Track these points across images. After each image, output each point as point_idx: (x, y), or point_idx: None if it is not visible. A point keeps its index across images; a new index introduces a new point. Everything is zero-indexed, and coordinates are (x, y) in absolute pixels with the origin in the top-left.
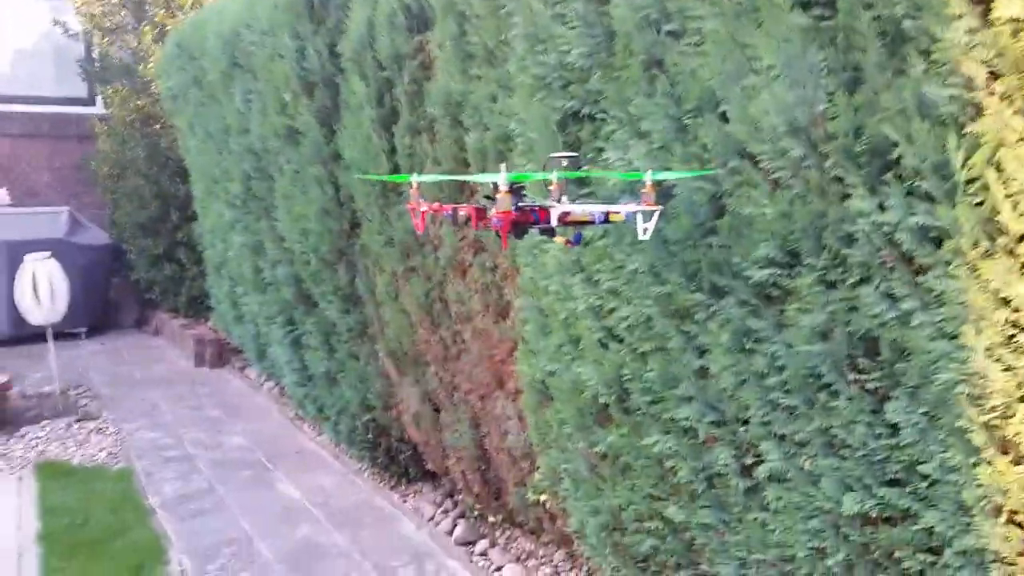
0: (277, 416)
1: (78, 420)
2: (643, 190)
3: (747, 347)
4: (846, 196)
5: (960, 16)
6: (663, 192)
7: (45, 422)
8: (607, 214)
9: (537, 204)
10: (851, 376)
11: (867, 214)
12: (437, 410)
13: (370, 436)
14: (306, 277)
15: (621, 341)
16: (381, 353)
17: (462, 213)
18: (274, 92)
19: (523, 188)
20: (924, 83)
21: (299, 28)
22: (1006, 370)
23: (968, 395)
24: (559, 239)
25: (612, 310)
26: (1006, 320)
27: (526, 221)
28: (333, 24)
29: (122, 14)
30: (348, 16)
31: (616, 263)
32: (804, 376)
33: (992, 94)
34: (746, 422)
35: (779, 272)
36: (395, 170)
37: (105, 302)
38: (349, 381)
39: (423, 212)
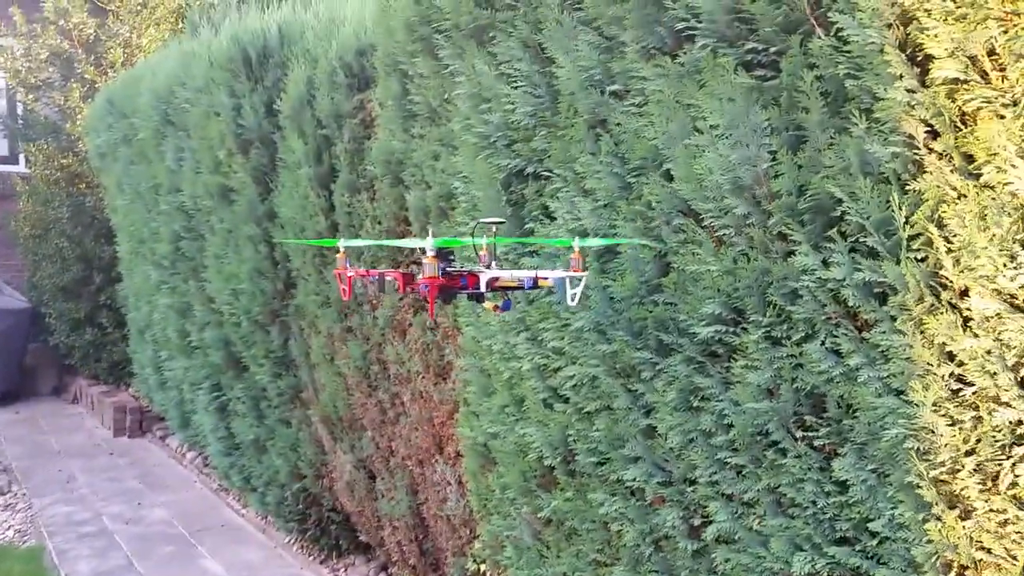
0: (200, 487)
1: None
2: (571, 256)
3: (694, 405)
4: (790, 253)
5: (900, 76)
6: (607, 250)
7: None
8: (535, 279)
9: (466, 270)
10: (798, 433)
11: (812, 271)
12: (372, 477)
13: (300, 507)
14: (236, 340)
15: (567, 401)
16: (314, 419)
17: (388, 279)
18: (208, 150)
19: (451, 253)
20: (866, 142)
21: (236, 86)
22: (952, 424)
23: (916, 450)
24: (488, 304)
25: (557, 369)
26: (951, 374)
27: (454, 286)
28: (271, 82)
29: (49, 71)
30: (287, 75)
31: (561, 321)
32: (751, 434)
33: (932, 152)
34: (694, 482)
35: (725, 329)
36: (333, 229)
37: (21, 368)
38: (279, 449)
39: (349, 277)
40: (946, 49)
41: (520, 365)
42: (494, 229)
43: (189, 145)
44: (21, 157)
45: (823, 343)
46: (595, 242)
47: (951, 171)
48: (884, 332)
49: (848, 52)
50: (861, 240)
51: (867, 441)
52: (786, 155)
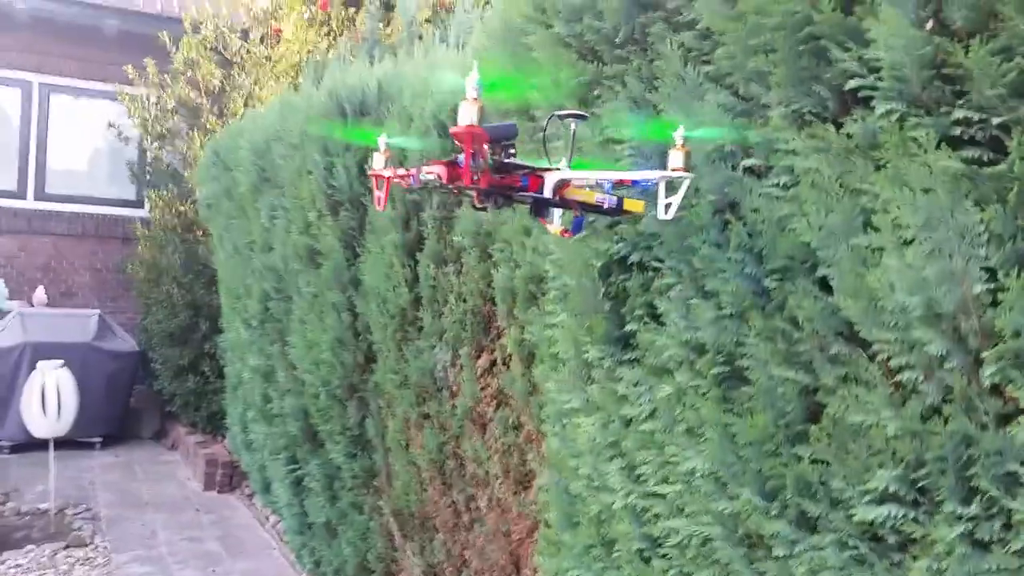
0: (279, 557)
1: (66, 546)
2: (673, 150)
3: None
4: (1009, 419)
5: None
6: (732, 373)
7: (31, 546)
8: (620, 182)
9: (527, 165)
10: None
11: None
12: None
13: None
14: (314, 412)
15: (669, 559)
16: (386, 509)
17: (431, 175)
18: (299, 209)
19: (512, 146)
20: None
21: (329, 144)
22: None
23: None
24: (554, 228)
25: (658, 516)
26: None
27: (511, 186)
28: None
29: (175, 119)
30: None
31: (666, 456)
32: None
33: None
34: None
35: (901, 513)
36: (416, 302)
37: (126, 411)
38: (349, 537)
39: (388, 179)
40: None
41: (612, 500)
42: (573, 126)
43: (282, 203)
44: (146, 202)
45: None
46: (708, 133)
47: None
48: None
49: None
50: None
51: None
52: (1014, 277)
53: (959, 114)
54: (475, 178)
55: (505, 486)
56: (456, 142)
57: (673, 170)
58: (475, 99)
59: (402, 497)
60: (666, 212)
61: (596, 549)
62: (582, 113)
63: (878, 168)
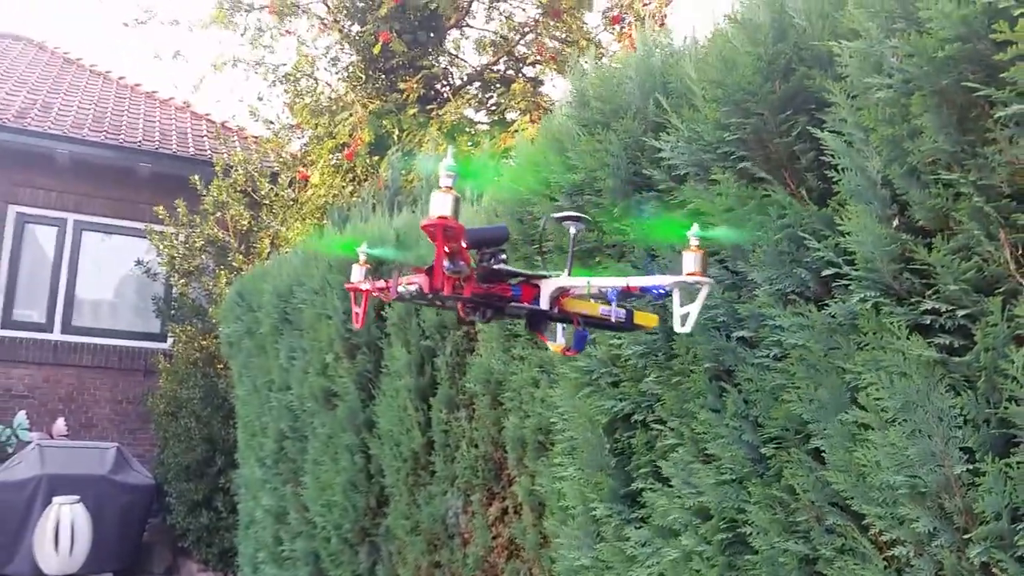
0: None
1: None
2: (687, 252)
3: None
4: None
5: None
6: (734, 538)
7: None
8: (626, 289)
9: (523, 273)
10: None
11: None
12: None
13: None
14: (325, 556)
15: None
16: None
17: (411, 287)
18: (318, 352)
19: (502, 251)
20: None
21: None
22: None
23: None
24: (554, 345)
25: None
26: None
27: (500, 296)
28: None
29: (202, 258)
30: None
31: None
32: None
33: None
34: None
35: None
36: (429, 446)
37: (139, 546)
38: None
39: (366, 292)
40: None
41: None
42: (572, 230)
43: (301, 345)
44: (169, 337)
45: None
46: (724, 234)
47: None
48: None
49: None
50: None
51: None
52: (990, 460)
53: (928, 304)
54: (457, 285)
55: None
56: (427, 233)
57: (688, 275)
58: (449, 187)
59: None
60: (683, 324)
61: None
62: (582, 216)
63: (859, 349)
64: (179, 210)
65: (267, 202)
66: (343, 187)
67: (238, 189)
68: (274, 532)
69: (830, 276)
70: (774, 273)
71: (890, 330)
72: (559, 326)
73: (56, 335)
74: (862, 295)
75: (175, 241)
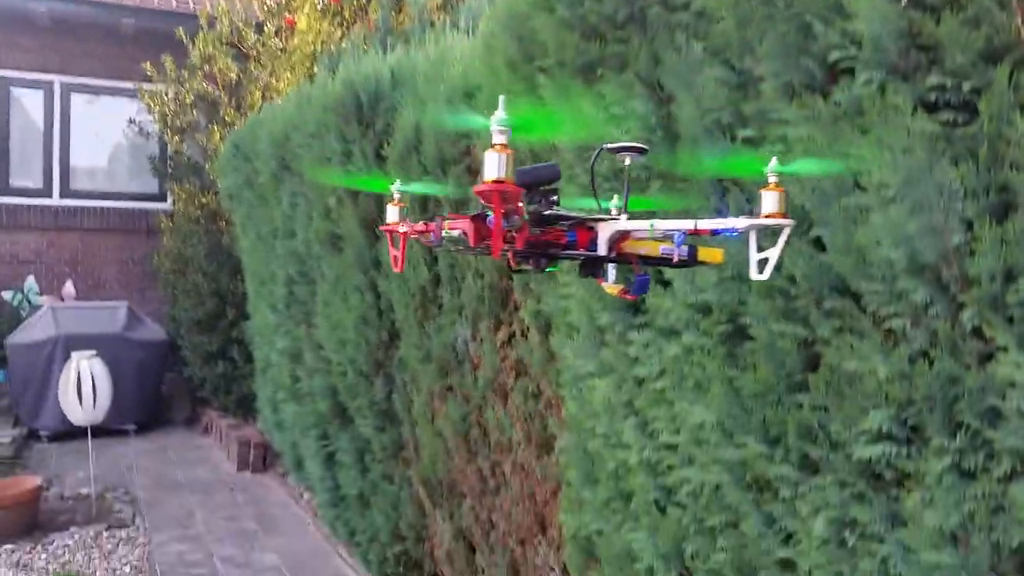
0: (314, 532)
1: (108, 528)
2: (765, 190)
3: (848, 543)
4: (989, 357)
5: None
6: (736, 330)
7: (75, 528)
8: (694, 231)
9: (575, 216)
10: None
11: (1022, 386)
12: (472, 549)
13: (401, 570)
14: (342, 389)
15: (683, 508)
16: (415, 479)
17: (455, 232)
18: (319, 196)
19: (553, 192)
20: None
21: (346, 131)
22: None
23: None
24: (609, 286)
25: (671, 467)
26: None
27: (555, 243)
28: (382, 127)
29: (194, 114)
30: (396, 119)
31: (676, 412)
32: None
33: None
34: None
35: (894, 450)
36: (436, 280)
37: (158, 398)
38: (381, 506)
39: (403, 235)
40: None
41: (627, 456)
42: (627, 161)
43: (302, 190)
44: (169, 195)
45: None
46: (807, 167)
47: None
48: None
49: None
50: None
51: None
52: (988, 227)
53: (934, 80)
54: (509, 237)
55: (528, 451)
56: (482, 201)
57: (767, 216)
58: (503, 145)
59: (429, 466)
60: (760, 271)
61: (615, 503)
62: (640, 146)
63: (863, 133)
64: (166, 66)
65: (254, 53)
66: (331, 32)
67: (224, 42)
68: (291, 372)
69: (836, 64)
70: (780, 65)
71: (895, 108)
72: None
73: (56, 200)
74: (868, 76)
75: (166, 98)
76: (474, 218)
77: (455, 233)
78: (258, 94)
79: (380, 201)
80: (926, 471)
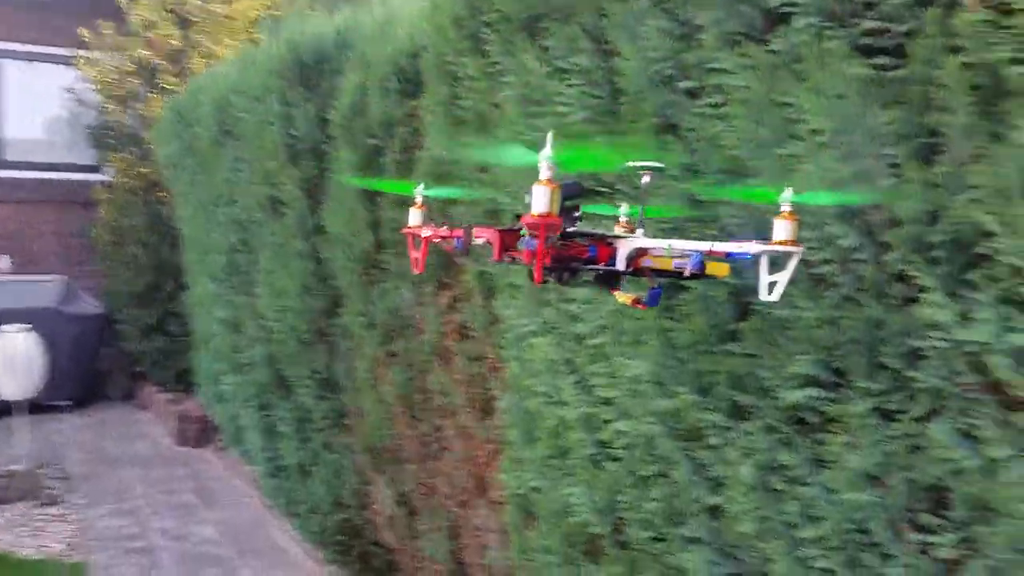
0: (254, 504)
1: (41, 504)
2: (778, 219)
3: (774, 486)
4: (913, 300)
5: None
6: (671, 284)
7: (4, 507)
8: (703, 258)
9: (597, 232)
10: (910, 536)
11: (943, 326)
12: (413, 514)
13: (342, 537)
14: (283, 359)
15: (618, 461)
16: (357, 447)
17: (478, 240)
18: (261, 161)
19: (577, 209)
20: None
21: (289, 94)
22: None
23: None
24: (623, 296)
25: (607, 422)
26: None
27: (577, 258)
28: (326, 90)
29: (134, 82)
30: (340, 81)
31: (614, 367)
32: (847, 531)
33: None
34: None
35: (820, 395)
36: (379, 246)
37: (94, 373)
38: (322, 475)
39: (426, 239)
40: None
41: (566, 413)
42: (644, 179)
43: (244, 155)
44: (107, 167)
45: (954, 423)
46: (821, 199)
47: None
48: None
49: (1012, 28)
50: (1017, 289)
51: (1010, 563)
52: (916, 169)
53: (868, 24)
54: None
55: (470, 414)
56: (529, 232)
57: (778, 243)
58: (549, 180)
59: (372, 434)
60: (770, 292)
61: (553, 459)
62: (658, 165)
63: (800, 80)
64: (104, 32)
65: (197, 20)
66: None
67: (166, 8)
68: (231, 342)
69: (775, 11)
70: (721, 13)
71: (831, 54)
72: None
73: None
74: (805, 21)
75: (105, 66)
76: (501, 231)
77: (479, 241)
78: (201, 62)
79: (321, 163)
80: (850, 414)
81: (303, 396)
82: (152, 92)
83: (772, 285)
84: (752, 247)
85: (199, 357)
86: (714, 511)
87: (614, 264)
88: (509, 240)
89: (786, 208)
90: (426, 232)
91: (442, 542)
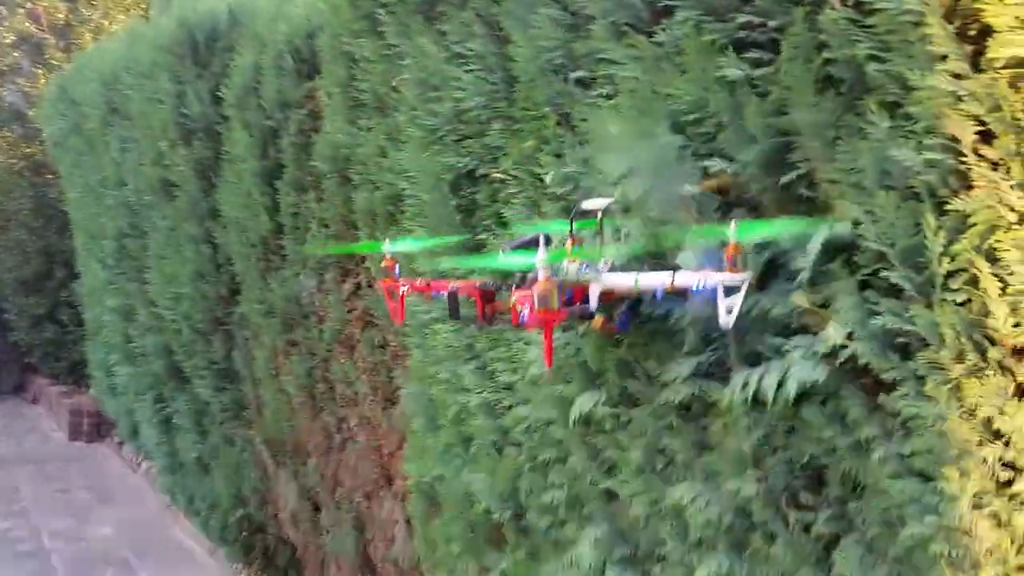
0: (153, 502)
1: None
2: (726, 252)
3: (662, 471)
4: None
5: (944, 57)
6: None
7: None
8: (671, 286)
9: (570, 278)
10: (791, 515)
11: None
12: (317, 508)
13: (244, 534)
14: (178, 348)
15: (518, 446)
16: (257, 439)
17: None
18: (151, 140)
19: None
20: (890, 145)
21: (180, 71)
22: (999, 526)
23: (947, 556)
24: (597, 320)
25: (509, 408)
26: (999, 459)
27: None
28: (219, 68)
29: (15, 55)
30: (234, 60)
31: (512, 352)
32: (732, 510)
33: (983, 160)
34: (662, 559)
35: (702, 383)
36: (278, 230)
37: None
38: (222, 470)
39: (402, 293)
40: (1017, 18)
41: (468, 400)
42: (599, 215)
43: (132, 135)
44: None
45: (823, 406)
46: (765, 228)
47: (1010, 186)
48: (907, 396)
49: (871, 27)
50: (878, 274)
51: (880, 534)
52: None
53: (743, 18)
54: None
55: (374, 403)
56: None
57: (730, 271)
58: (548, 279)
59: (273, 425)
60: (728, 313)
61: (456, 447)
62: (610, 200)
63: (681, 73)
64: None
65: None
66: None
67: None
68: (123, 332)
69: (658, 3)
70: (610, 4)
71: (710, 49)
72: None
73: None
74: (684, 15)
75: None
76: (482, 290)
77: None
78: (89, 37)
79: (216, 146)
80: (728, 400)
81: (200, 387)
82: (38, 67)
83: (730, 310)
84: (710, 278)
85: (92, 348)
86: (608, 496)
87: (587, 303)
88: (487, 298)
89: (732, 241)
90: (404, 288)
91: (348, 536)
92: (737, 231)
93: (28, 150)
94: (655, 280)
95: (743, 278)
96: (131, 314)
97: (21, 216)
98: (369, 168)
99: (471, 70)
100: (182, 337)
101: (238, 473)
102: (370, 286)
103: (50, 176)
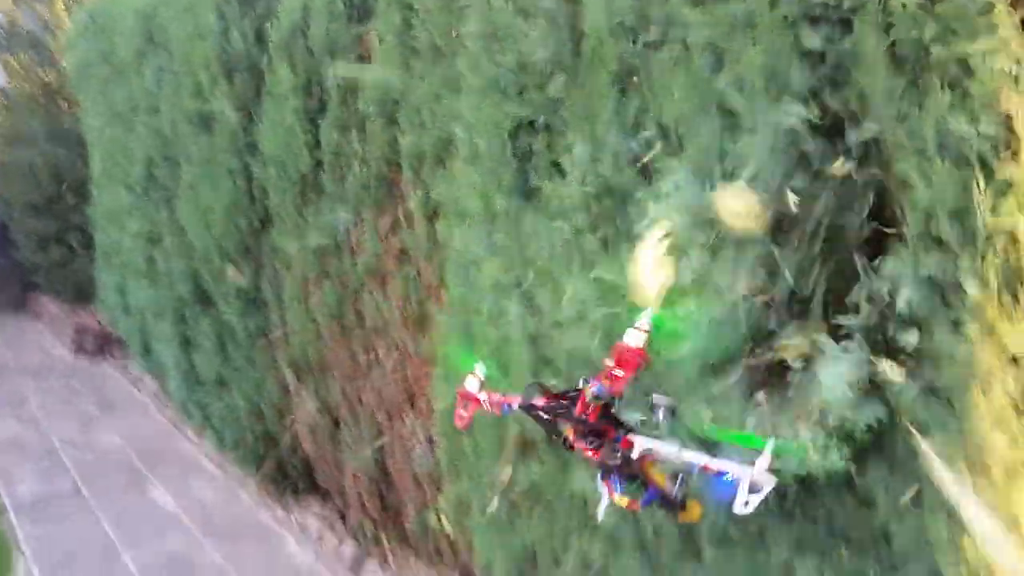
0: (158, 416)
1: None
2: (762, 457)
3: None
4: None
5: (1008, 42)
6: None
7: None
8: (704, 469)
9: (625, 427)
10: None
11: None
12: (336, 424)
13: (259, 447)
14: (205, 273)
15: (558, 372)
16: (281, 361)
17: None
18: (190, 73)
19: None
20: (949, 120)
21: (225, 8)
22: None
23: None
24: (619, 498)
25: (551, 340)
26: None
27: (606, 434)
28: (264, 8)
29: None
30: (281, 1)
31: (560, 294)
32: None
33: None
34: None
35: None
36: (318, 167)
37: None
38: (242, 388)
39: (475, 403)
40: None
41: (509, 331)
42: (661, 413)
43: (171, 67)
44: (2, 70)
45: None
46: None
47: None
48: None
49: (939, 14)
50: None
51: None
52: None
53: None
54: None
55: (404, 332)
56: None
57: (758, 472)
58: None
59: (298, 348)
60: (745, 507)
61: (493, 375)
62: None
63: (755, 44)
64: None
65: None
66: None
67: None
68: (146, 254)
69: None
70: None
71: (786, 19)
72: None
73: None
74: None
75: None
76: (549, 395)
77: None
78: None
79: (258, 84)
80: None
81: (226, 312)
82: None
83: (746, 503)
84: (737, 469)
85: (103, 269)
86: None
87: (631, 454)
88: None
89: (768, 451)
90: (482, 397)
91: (367, 450)
92: (773, 447)
93: (44, 76)
94: (696, 457)
95: (770, 483)
96: (156, 239)
97: (34, 139)
98: (421, 113)
99: (538, 26)
100: (211, 264)
101: (258, 391)
102: (408, 224)
103: (64, 102)
